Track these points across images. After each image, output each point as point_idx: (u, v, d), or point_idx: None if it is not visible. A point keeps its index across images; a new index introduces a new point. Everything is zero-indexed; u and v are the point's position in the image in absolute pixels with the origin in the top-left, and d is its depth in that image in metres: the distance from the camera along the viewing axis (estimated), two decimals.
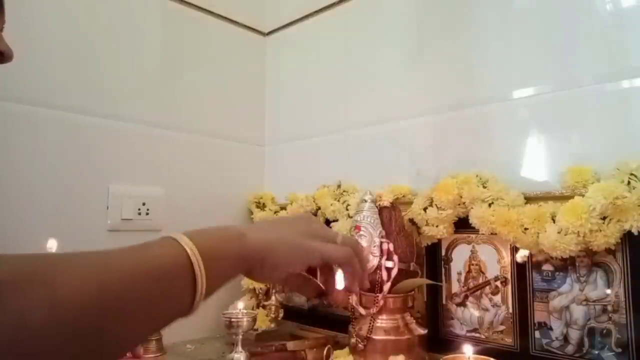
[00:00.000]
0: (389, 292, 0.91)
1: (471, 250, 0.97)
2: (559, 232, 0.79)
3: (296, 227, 0.48)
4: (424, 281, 1.01)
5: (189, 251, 0.39)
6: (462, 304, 0.98)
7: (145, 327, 0.38)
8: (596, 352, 0.81)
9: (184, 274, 0.39)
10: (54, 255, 0.36)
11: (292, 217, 0.50)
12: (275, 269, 0.45)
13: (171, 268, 0.38)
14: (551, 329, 0.86)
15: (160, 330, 0.39)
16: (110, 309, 0.33)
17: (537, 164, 0.94)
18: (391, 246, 0.93)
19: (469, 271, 0.97)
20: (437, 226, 0.96)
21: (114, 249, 0.38)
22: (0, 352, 0.28)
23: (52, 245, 0.90)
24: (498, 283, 0.93)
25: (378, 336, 0.89)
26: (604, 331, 0.81)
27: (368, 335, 0.90)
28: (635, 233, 0.75)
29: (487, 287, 0.94)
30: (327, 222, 1.17)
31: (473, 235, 0.96)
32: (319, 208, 1.20)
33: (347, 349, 0.94)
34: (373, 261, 0.92)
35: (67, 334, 0.31)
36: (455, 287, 0.99)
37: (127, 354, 0.68)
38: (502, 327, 0.92)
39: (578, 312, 0.83)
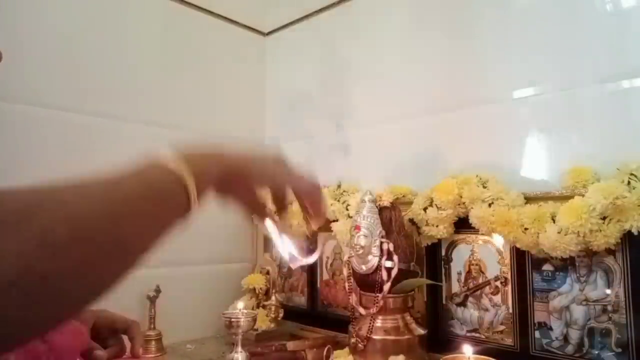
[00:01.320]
0: (389, 292, 0.91)
1: (471, 250, 0.97)
2: (559, 232, 0.79)
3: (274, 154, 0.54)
4: (424, 281, 1.01)
5: (175, 159, 0.43)
6: (462, 304, 0.98)
7: (153, 232, 0.41)
8: (596, 352, 0.81)
9: (173, 178, 0.42)
10: (63, 181, 0.39)
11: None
12: (263, 173, 0.52)
13: (160, 176, 0.42)
14: (551, 329, 0.86)
15: (167, 234, 0.43)
16: (120, 218, 0.37)
17: (537, 164, 0.94)
18: (391, 246, 0.93)
19: (469, 271, 0.97)
20: (437, 226, 0.96)
21: (112, 176, 0.41)
22: (26, 269, 0.30)
23: None
24: (498, 283, 0.93)
25: (378, 336, 0.89)
26: (604, 331, 0.81)
27: (368, 335, 0.90)
28: (635, 233, 0.75)
29: (487, 287, 0.94)
30: (327, 222, 1.17)
31: (473, 235, 0.96)
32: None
33: (347, 349, 0.94)
34: (373, 261, 0.92)
35: (87, 245, 0.34)
36: (455, 287, 0.99)
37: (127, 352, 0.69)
38: (502, 327, 0.92)
39: (578, 312, 0.83)
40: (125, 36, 1.20)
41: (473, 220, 0.91)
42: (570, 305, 0.84)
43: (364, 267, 0.93)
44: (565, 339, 0.84)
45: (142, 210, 0.39)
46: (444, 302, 1.00)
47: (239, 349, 0.96)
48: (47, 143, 1.06)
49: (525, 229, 0.84)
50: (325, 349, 0.92)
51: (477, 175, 0.94)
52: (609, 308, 0.80)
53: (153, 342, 1.10)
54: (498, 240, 0.93)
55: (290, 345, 1.01)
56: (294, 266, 0.57)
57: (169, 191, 0.42)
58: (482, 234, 0.93)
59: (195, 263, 1.30)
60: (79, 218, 0.34)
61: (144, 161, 0.43)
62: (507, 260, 0.92)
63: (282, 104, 1.49)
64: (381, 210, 0.98)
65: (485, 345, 0.90)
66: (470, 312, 0.96)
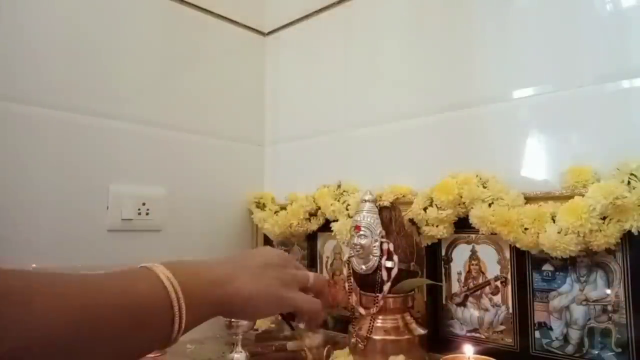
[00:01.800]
0: (389, 292, 0.91)
1: (471, 250, 0.97)
2: (559, 232, 0.79)
3: (275, 275, 0.51)
4: (424, 281, 1.01)
5: (170, 291, 0.40)
6: (462, 304, 0.98)
7: (118, 357, 0.38)
8: (596, 352, 0.81)
9: (162, 312, 0.39)
10: (34, 274, 0.36)
11: (270, 258, 0.53)
12: (254, 316, 0.52)
13: (150, 306, 0.39)
14: (551, 329, 0.86)
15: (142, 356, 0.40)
16: (84, 335, 0.34)
17: (537, 164, 0.94)
18: (391, 246, 0.93)
19: (469, 271, 0.97)
20: (437, 226, 0.96)
21: (96, 274, 0.38)
22: None
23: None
24: (498, 283, 0.93)
25: (378, 336, 0.89)
26: (604, 331, 0.81)
27: (368, 335, 0.90)
28: (635, 233, 0.75)
29: (487, 287, 0.94)
30: (327, 222, 1.17)
31: (473, 235, 0.96)
32: (319, 208, 1.20)
33: (347, 349, 0.94)
34: (373, 261, 0.92)
35: (38, 355, 0.31)
36: (455, 287, 0.99)
37: None
38: (502, 327, 0.92)
39: (578, 312, 0.83)
40: (125, 36, 1.20)
41: (473, 220, 0.91)
42: (570, 305, 0.84)
43: (364, 267, 0.93)
44: (565, 339, 0.84)
45: (122, 331, 0.37)
46: (444, 302, 1.00)
47: (239, 349, 0.96)
48: (47, 143, 1.06)
49: (525, 229, 0.84)
50: (325, 349, 0.92)
51: (477, 175, 0.94)
52: (609, 308, 0.80)
53: None
54: (498, 241, 0.93)
55: (290, 345, 1.01)
56: None
57: (154, 316, 0.39)
58: (482, 234, 0.93)
59: None
60: (55, 330, 0.32)
61: (137, 279, 0.41)
62: (507, 260, 0.92)
63: (282, 104, 1.49)
64: (381, 210, 0.98)
65: (485, 345, 0.90)
66: (470, 312, 0.96)
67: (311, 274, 0.56)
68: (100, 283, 0.38)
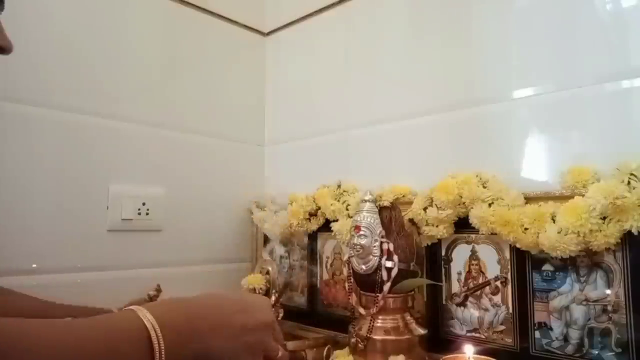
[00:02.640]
0: (389, 292, 0.91)
1: (471, 250, 0.97)
2: (559, 232, 0.79)
3: (249, 341, 0.53)
4: (424, 281, 1.01)
5: (150, 329, 0.43)
6: (462, 304, 0.98)
7: None
8: (596, 352, 0.81)
9: (142, 350, 0.42)
10: (12, 326, 0.37)
11: (253, 321, 0.54)
12: None
13: (129, 342, 0.42)
14: (551, 329, 0.86)
15: None
16: None
17: (537, 164, 0.94)
18: (391, 246, 0.93)
19: (469, 271, 0.97)
20: (437, 226, 0.96)
21: (77, 322, 0.40)
22: None
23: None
24: (498, 283, 0.93)
25: (378, 336, 0.89)
26: (604, 331, 0.81)
27: (368, 335, 0.90)
28: (635, 233, 0.75)
29: (487, 287, 0.94)
30: (327, 222, 1.17)
31: (473, 235, 0.96)
32: (319, 208, 1.20)
33: (347, 349, 0.94)
34: (373, 261, 0.92)
35: None
36: (455, 287, 0.99)
37: None
38: (502, 327, 0.92)
39: (578, 312, 0.83)
40: (125, 36, 1.20)
41: (473, 220, 0.91)
42: (570, 305, 0.84)
43: (364, 267, 0.93)
44: (565, 339, 0.84)
45: None
46: (444, 302, 1.00)
47: None
48: (47, 143, 1.06)
49: (525, 229, 0.84)
50: (325, 349, 0.93)
51: (477, 175, 0.94)
52: (609, 308, 0.80)
53: None
54: (498, 241, 0.93)
55: (290, 345, 1.01)
56: None
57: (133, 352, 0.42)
58: (482, 234, 0.93)
59: (195, 263, 1.30)
60: None
61: (116, 318, 0.44)
62: (507, 260, 0.92)
63: (282, 104, 1.49)
64: (381, 210, 0.98)
65: (485, 345, 0.90)
66: (470, 312, 0.96)
67: (280, 351, 0.57)
68: (79, 334, 0.40)
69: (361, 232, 0.93)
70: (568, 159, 0.88)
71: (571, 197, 0.81)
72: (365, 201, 0.97)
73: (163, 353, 0.42)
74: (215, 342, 0.49)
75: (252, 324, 0.53)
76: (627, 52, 0.86)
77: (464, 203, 0.93)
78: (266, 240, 1.38)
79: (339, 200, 1.16)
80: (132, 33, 1.22)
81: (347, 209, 1.13)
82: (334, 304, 1.20)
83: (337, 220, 1.14)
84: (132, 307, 0.44)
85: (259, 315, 0.54)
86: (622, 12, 0.88)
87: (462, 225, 0.96)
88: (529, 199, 0.88)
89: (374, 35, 1.25)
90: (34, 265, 1.02)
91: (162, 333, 0.43)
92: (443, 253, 1.01)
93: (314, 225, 1.23)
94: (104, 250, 1.12)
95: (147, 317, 0.43)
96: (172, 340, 0.44)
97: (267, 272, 1.25)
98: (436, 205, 0.95)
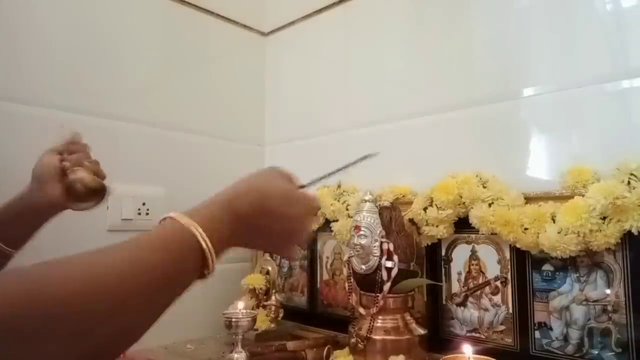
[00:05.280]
0: (389, 292, 0.91)
1: (471, 250, 0.97)
2: (559, 232, 0.79)
3: (293, 228, 0.54)
4: (424, 281, 1.01)
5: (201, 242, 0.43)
6: (462, 304, 0.98)
7: (171, 290, 0.42)
8: (596, 352, 0.81)
9: (195, 254, 0.43)
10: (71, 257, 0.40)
11: (294, 214, 0.54)
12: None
13: (184, 251, 0.43)
14: (551, 329, 0.86)
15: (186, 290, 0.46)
16: (139, 279, 0.38)
17: (537, 164, 0.94)
18: (391, 246, 0.93)
19: (469, 271, 0.97)
20: (437, 226, 0.96)
21: (121, 243, 0.40)
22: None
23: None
24: (498, 283, 0.93)
25: (378, 336, 0.89)
26: (604, 331, 0.81)
27: (368, 335, 0.90)
28: (635, 233, 0.75)
29: (487, 287, 0.94)
30: (327, 222, 1.17)
31: (473, 235, 0.96)
32: (319, 208, 1.20)
33: (347, 349, 0.94)
34: (373, 261, 0.92)
35: (105, 301, 0.35)
36: (455, 287, 0.99)
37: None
38: (502, 327, 0.92)
39: (578, 312, 0.83)
40: (125, 36, 1.20)
41: (473, 220, 0.91)
42: (570, 305, 0.84)
43: (364, 267, 0.93)
44: (565, 339, 0.84)
45: (160, 272, 0.40)
46: (444, 302, 1.00)
47: (239, 349, 0.96)
48: (47, 143, 1.06)
49: (525, 229, 0.84)
50: (325, 349, 0.92)
51: (477, 175, 0.94)
52: (609, 308, 0.80)
53: None
54: (498, 241, 0.93)
55: (290, 345, 1.01)
56: None
57: (186, 252, 0.43)
58: (482, 234, 0.93)
59: None
60: (99, 276, 0.36)
61: (160, 224, 0.44)
62: (507, 260, 0.92)
63: (282, 103, 1.49)
64: (381, 210, 0.98)
65: (485, 345, 0.90)
66: (470, 312, 0.96)
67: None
68: (124, 243, 0.41)
69: (361, 232, 0.93)
70: (568, 159, 0.88)
71: (571, 197, 0.81)
72: (365, 201, 0.97)
73: (214, 259, 0.45)
74: (258, 241, 0.52)
75: (293, 218, 0.53)
76: (627, 52, 0.86)
77: (464, 203, 0.93)
78: None
79: (339, 200, 1.16)
80: (132, 33, 1.22)
81: (347, 209, 1.13)
82: (334, 304, 1.20)
83: (337, 220, 1.14)
84: (175, 216, 0.44)
85: (300, 208, 0.55)
86: (622, 12, 0.88)
87: (462, 225, 0.96)
88: (529, 199, 0.89)
89: (374, 35, 1.25)
90: None
91: (211, 241, 0.44)
92: (443, 253, 1.01)
93: (314, 225, 1.23)
94: None
95: (196, 228, 0.44)
96: (217, 246, 0.46)
97: (267, 272, 1.25)
98: (436, 205, 0.95)
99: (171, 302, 0.42)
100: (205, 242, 0.43)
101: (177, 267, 0.42)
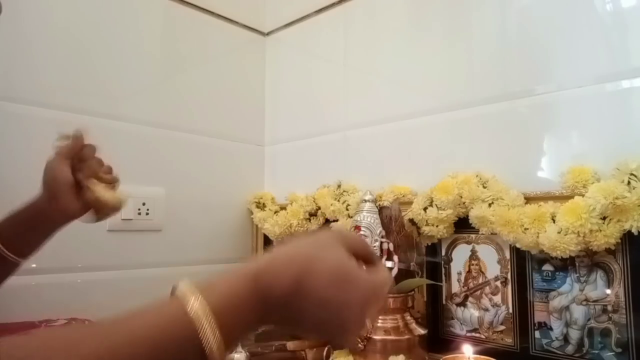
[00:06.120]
0: (389, 292, 0.91)
1: (471, 250, 0.97)
2: (559, 232, 0.79)
3: (349, 313, 0.39)
4: (424, 281, 1.01)
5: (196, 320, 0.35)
6: (462, 304, 0.98)
7: None
8: (596, 352, 0.81)
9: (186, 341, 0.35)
10: (38, 338, 0.33)
11: (350, 292, 0.39)
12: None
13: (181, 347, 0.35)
14: (551, 329, 0.86)
15: None
16: None
17: (537, 164, 0.94)
18: (391, 246, 0.93)
19: (469, 271, 0.97)
20: (437, 226, 0.96)
21: (119, 320, 0.34)
22: None
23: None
24: (498, 283, 0.93)
25: (378, 336, 0.89)
26: (604, 331, 0.81)
27: (368, 335, 0.90)
28: (635, 233, 0.75)
29: (487, 287, 0.94)
30: (327, 222, 1.17)
31: (473, 235, 0.96)
32: (319, 208, 1.20)
33: (347, 349, 0.94)
34: None
35: None
36: (455, 287, 0.99)
37: None
38: (502, 327, 0.92)
39: (578, 312, 0.83)
40: (125, 36, 1.20)
41: (473, 220, 0.91)
42: (570, 305, 0.84)
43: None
44: (565, 339, 0.84)
45: None
46: (444, 302, 1.00)
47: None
48: (47, 143, 1.06)
49: (525, 229, 0.84)
50: (325, 349, 0.92)
51: (477, 175, 0.94)
52: (609, 308, 0.80)
53: None
54: (498, 241, 0.93)
55: (290, 345, 1.01)
56: None
57: (187, 348, 0.34)
58: (482, 234, 0.93)
59: (195, 263, 1.30)
60: None
61: (160, 307, 0.36)
62: (507, 260, 0.92)
63: (282, 103, 1.49)
64: (381, 210, 0.98)
65: (485, 345, 0.90)
66: (470, 312, 0.96)
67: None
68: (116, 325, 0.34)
69: (361, 232, 0.93)
70: (568, 159, 0.88)
71: (571, 197, 0.81)
72: (365, 201, 0.97)
73: (213, 342, 0.34)
74: (298, 327, 0.41)
75: (345, 303, 0.38)
76: (627, 52, 0.86)
77: (464, 203, 0.93)
78: (266, 240, 1.38)
79: (339, 200, 1.16)
80: (133, 33, 1.22)
81: (347, 209, 1.13)
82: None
83: (337, 220, 1.14)
84: (183, 296, 0.36)
85: (356, 293, 0.39)
86: (622, 12, 0.88)
87: (462, 225, 0.96)
88: (529, 199, 0.89)
89: (374, 35, 1.25)
90: (34, 265, 1.02)
91: (219, 322, 0.35)
92: (443, 253, 1.01)
93: (314, 225, 1.23)
94: (104, 250, 1.12)
95: (206, 317, 0.35)
96: (234, 324, 0.36)
97: None
98: (436, 205, 0.95)
99: None
100: (209, 345, 0.34)
101: None
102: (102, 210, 0.70)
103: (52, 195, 0.68)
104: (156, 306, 0.36)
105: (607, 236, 0.76)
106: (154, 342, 0.34)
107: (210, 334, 0.34)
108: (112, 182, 0.72)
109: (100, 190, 0.69)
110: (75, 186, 0.68)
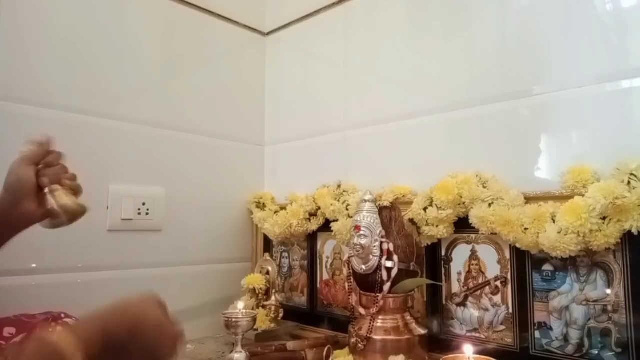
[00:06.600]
0: (389, 292, 0.91)
1: (471, 250, 0.97)
2: (559, 232, 0.79)
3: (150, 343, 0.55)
4: (424, 281, 1.01)
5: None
6: (462, 304, 0.98)
7: None
8: (596, 352, 0.81)
9: None
10: None
11: (144, 331, 0.56)
12: None
13: None
14: (551, 329, 0.86)
15: None
16: None
17: (537, 164, 0.94)
18: (391, 246, 0.93)
19: (469, 271, 0.97)
20: (437, 226, 0.96)
21: None
22: None
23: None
24: (498, 283, 0.93)
25: (378, 336, 0.89)
26: (604, 331, 0.81)
27: (368, 335, 0.90)
28: (635, 233, 0.75)
29: (487, 287, 0.94)
30: (327, 222, 1.17)
31: (473, 235, 0.96)
32: (319, 208, 1.20)
33: (347, 349, 0.94)
34: (373, 261, 0.92)
35: None
36: (455, 287, 0.99)
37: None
38: (502, 327, 0.92)
39: (578, 312, 0.83)
40: (125, 36, 1.20)
41: (473, 220, 0.91)
42: (570, 305, 0.84)
43: (364, 267, 0.93)
44: (565, 339, 0.84)
45: None
46: (444, 302, 1.00)
47: (239, 349, 0.96)
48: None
49: (525, 229, 0.84)
50: (325, 349, 0.92)
51: (477, 175, 0.94)
52: (609, 308, 0.80)
53: None
54: (498, 241, 0.93)
55: (290, 345, 1.01)
56: None
57: None
58: (482, 234, 0.93)
59: (195, 263, 1.30)
60: None
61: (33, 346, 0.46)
62: (507, 260, 0.92)
63: (282, 103, 1.49)
64: (381, 210, 0.98)
65: (485, 345, 0.90)
66: (470, 312, 0.96)
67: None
68: None
69: (361, 232, 0.93)
70: (568, 159, 0.88)
71: (571, 197, 0.81)
72: (365, 201, 0.97)
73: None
74: None
75: (145, 335, 0.54)
76: (627, 52, 0.86)
77: (464, 203, 0.93)
78: (266, 240, 1.38)
79: (339, 200, 1.16)
80: (133, 33, 1.22)
81: (347, 209, 1.13)
82: (334, 304, 1.20)
83: (337, 220, 1.14)
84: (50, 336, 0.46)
85: (167, 340, 0.57)
86: (622, 12, 0.88)
87: (462, 225, 0.96)
88: (529, 199, 0.89)
89: (374, 35, 1.25)
90: (34, 265, 1.02)
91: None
92: (443, 253, 1.01)
93: (314, 225, 1.23)
94: (104, 250, 1.12)
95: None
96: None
97: (267, 272, 1.25)
98: (436, 205, 0.95)
99: None
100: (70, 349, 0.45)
101: None
102: (61, 216, 0.70)
103: (13, 198, 0.68)
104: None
105: (607, 236, 0.76)
106: None
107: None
108: (74, 189, 0.73)
109: (61, 195, 0.69)
110: (38, 190, 0.69)
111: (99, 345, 0.49)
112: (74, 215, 0.71)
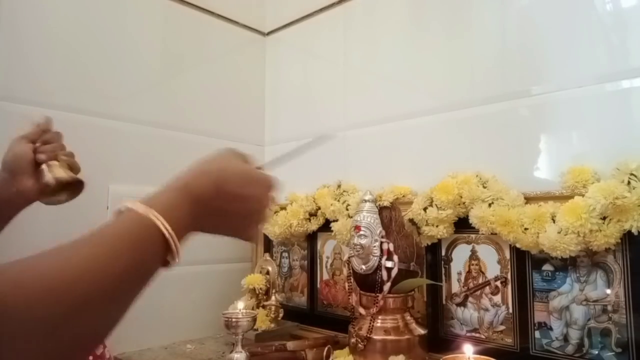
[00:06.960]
0: (389, 292, 0.91)
1: (471, 250, 0.97)
2: (559, 232, 0.79)
3: (253, 209, 0.52)
4: (424, 281, 1.01)
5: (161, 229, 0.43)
6: (462, 304, 0.98)
7: (136, 282, 0.41)
8: (596, 352, 0.81)
9: (157, 240, 0.42)
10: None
11: (251, 196, 0.52)
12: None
13: (146, 240, 0.42)
14: (551, 329, 0.86)
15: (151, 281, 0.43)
16: (103, 273, 0.37)
17: (537, 164, 0.94)
18: (391, 246, 0.93)
19: (469, 271, 0.97)
20: (437, 226, 0.96)
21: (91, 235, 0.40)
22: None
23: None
24: (498, 283, 0.93)
25: (378, 336, 0.89)
26: (604, 331, 0.81)
27: (368, 335, 0.90)
28: (635, 233, 0.75)
29: (487, 287, 0.94)
30: (327, 222, 1.17)
31: (473, 235, 0.96)
32: (319, 208, 1.20)
33: (347, 349, 0.94)
34: (373, 261, 0.92)
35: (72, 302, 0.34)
36: (455, 287, 0.99)
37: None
38: (502, 327, 0.92)
39: (578, 312, 0.83)
40: (125, 36, 1.20)
41: (473, 220, 0.91)
42: (570, 305, 0.84)
43: (364, 267, 0.93)
44: (565, 339, 0.84)
45: (124, 263, 0.39)
46: (444, 302, 1.00)
47: (239, 349, 0.96)
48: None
49: (525, 229, 0.84)
50: (325, 349, 0.92)
51: (477, 175, 0.94)
52: (609, 308, 0.80)
53: None
54: (498, 241, 0.93)
55: (290, 345, 1.01)
56: None
57: (147, 241, 0.42)
58: (482, 234, 0.93)
59: (195, 263, 1.30)
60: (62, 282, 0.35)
61: (117, 216, 0.44)
62: (507, 260, 0.92)
63: (282, 103, 1.49)
64: (381, 210, 0.98)
65: (485, 345, 0.90)
66: (470, 312, 0.96)
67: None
68: (85, 237, 0.40)
69: (361, 232, 0.93)
70: (568, 159, 0.88)
71: (571, 197, 0.81)
72: (365, 201, 0.97)
73: (178, 246, 0.43)
74: (219, 224, 0.50)
75: (252, 197, 0.52)
76: (627, 52, 0.86)
77: (464, 203, 0.93)
78: (266, 240, 1.38)
79: (339, 200, 1.16)
80: (133, 33, 1.22)
81: (347, 209, 1.13)
82: (334, 304, 1.20)
83: (337, 220, 1.14)
84: (132, 206, 0.45)
85: (258, 188, 0.53)
86: (622, 12, 0.88)
87: (462, 225, 0.96)
88: (529, 199, 0.89)
89: (373, 35, 1.25)
90: None
91: (172, 228, 0.43)
92: (443, 253, 1.01)
93: (313, 225, 1.23)
94: None
95: (155, 216, 0.43)
96: (179, 233, 0.44)
97: (267, 272, 1.25)
98: (436, 205, 0.95)
99: (137, 294, 0.41)
100: (166, 229, 0.42)
101: (139, 258, 0.41)
102: (58, 191, 0.70)
103: (10, 174, 0.69)
104: (112, 221, 0.44)
105: (607, 236, 0.76)
106: (118, 245, 0.40)
107: (163, 227, 0.42)
108: (71, 165, 0.72)
109: (57, 169, 0.69)
110: (34, 165, 0.69)
111: (187, 212, 0.46)
112: (71, 187, 0.71)
